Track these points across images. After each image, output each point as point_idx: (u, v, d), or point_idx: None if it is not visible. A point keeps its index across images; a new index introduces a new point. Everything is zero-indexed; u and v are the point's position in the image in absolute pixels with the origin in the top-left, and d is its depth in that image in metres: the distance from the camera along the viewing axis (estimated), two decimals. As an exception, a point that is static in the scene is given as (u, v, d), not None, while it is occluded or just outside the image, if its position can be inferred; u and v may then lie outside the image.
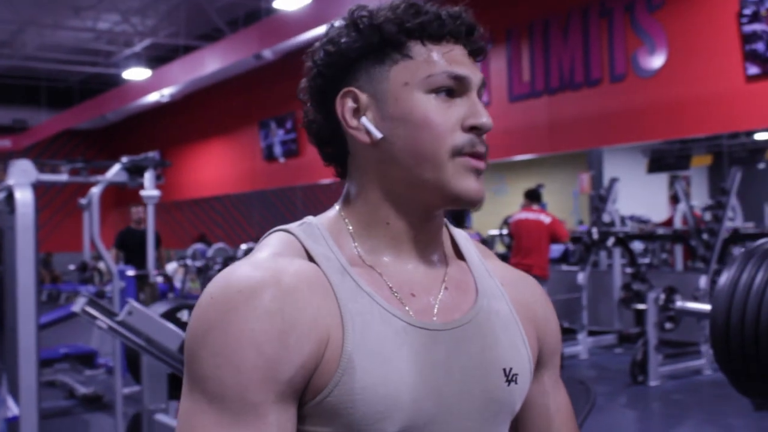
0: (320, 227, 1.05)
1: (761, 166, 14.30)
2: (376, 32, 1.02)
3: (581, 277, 8.52)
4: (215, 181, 14.35)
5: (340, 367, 0.94)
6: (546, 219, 8.24)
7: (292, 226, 1.06)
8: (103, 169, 5.83)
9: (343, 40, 1.05)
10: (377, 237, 1.05)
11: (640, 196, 14.28)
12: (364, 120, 1.03)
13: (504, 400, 1.06)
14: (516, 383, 1.07)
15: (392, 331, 0.98)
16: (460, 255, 1.14)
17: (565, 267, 10.59)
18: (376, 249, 1.05)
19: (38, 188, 4.81)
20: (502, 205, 13.84)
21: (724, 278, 1.86)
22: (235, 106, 13.25)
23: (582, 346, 8.51)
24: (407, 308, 1.01)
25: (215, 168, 14.30)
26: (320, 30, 9.59)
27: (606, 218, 8.63)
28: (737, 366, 1.79)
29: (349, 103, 1.04)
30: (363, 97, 1.03)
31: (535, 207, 8.37)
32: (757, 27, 6.46)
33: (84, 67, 16.06)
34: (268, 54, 10.63)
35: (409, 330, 0.99)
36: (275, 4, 10.49)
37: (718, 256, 7.08)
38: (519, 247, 8.20)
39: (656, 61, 7.31)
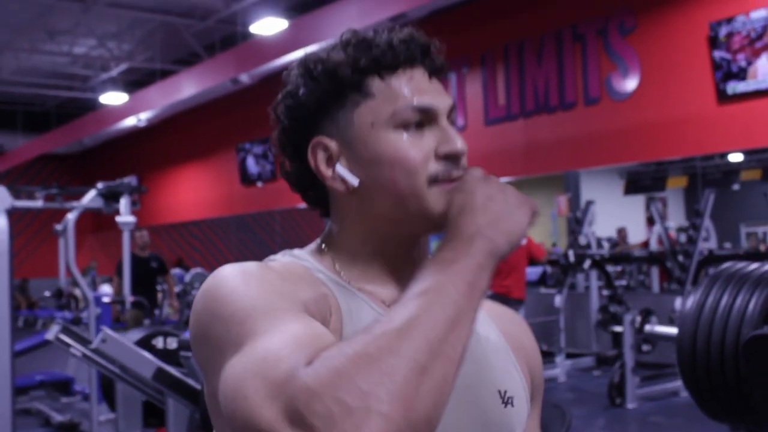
0: (304, 257, 1.05)
1: (736, 187, 14.46)
2: (332, 78, 1.01)
3: (558, 300, 8.55)
4: (193, 206, 14.31)
5: None
6: (522, 241, 8.31)
7: (277, 256, 1.05)
8: (79, 195, 5.81)
9: (300, 92, 1.03)
10: (362, 269, 1.04)
11: (618, 218, 14.37)
12: (339, 168, 1.01)
13: (501, 422, 1.03)
14: (513, 406, 1.04)
15: None
16: None
17: (542, 290, 10.62)
18: (362, 278, 1.03)
19: (13, 214, 4.79)
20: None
21: (690, 302, 1.89)
22: (212, 130, 13.25)
23: (560, 368, 8.52)
24: None
25: (193, 192, 14.26)
26: (297, 54, 9.63)
27: (582, 240, 8.68)
28: (704, 389, 1.81)
29: (321, 154, 1.02)
30: (332, 145, 1.01)
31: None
32: (722, 53, 6.56)
33: (60, 92, 16.02)
34: (245, 78, 10.66)
35: None
36: (252, 29, 10.54)
37: (693, 277, 7.13)
38: (497, 269, 8.20)
39: (630, 84, 7.40)
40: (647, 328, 2.02)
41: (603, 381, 7.81)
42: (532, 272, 10.71)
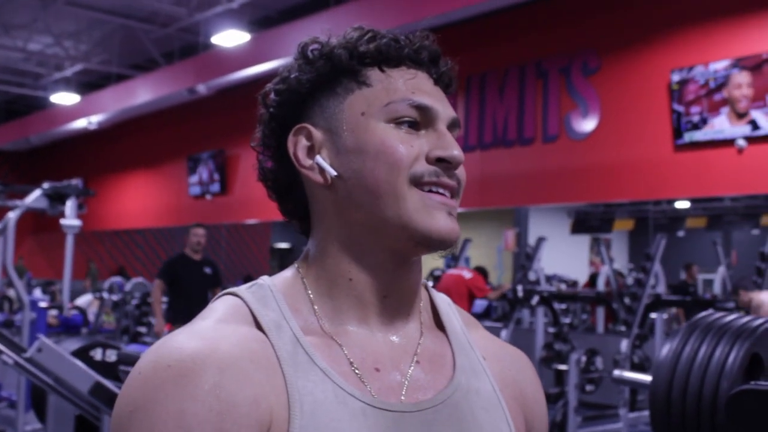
0: (273, 289, 0.92)
1: (681, 233, 14.67)
2: (328, 61, 0.94)
3: (504, 335, 8.51)
4: (138, 214, 14.04)
5: None
6: (467, 274, 8.34)
7: (241, 289, 0.92)
8: (23, 194, 5.61)
9: (292, 75, 0.95)
10: (339, 297, 0.92)
11: (562, 256, 14.48)
12: (318, 158, 0.92)
13: None
14: None
15: (348, 413, 0.85)
16: (440, 324, 1.01)
17: (488, 323, 10.59)
18: (338, 313, 0.92)
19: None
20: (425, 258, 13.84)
21: (666, 350, 1.82)
22: (165, 140, 13.04)
23: (500, 403, 8.48)
24: (368, 386, 0.88)
25: (139, 200, 14.00)
26: (257, 68, 9.58)
27: (532, 276, 8.67)
28: (678, 441, 1.74)
29: (302, 141, 0.94)
30: (317, 134, 0.93)
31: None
32: (679, 102, 6.63)
33: (11, 87, 15.65)
34: (202, 89, 10.51)
35: (368, 412, 0.86)
36: (213, 40, 10.41)
37: (641, 320, 7.14)
38: None
39: (588, 124, 7.44)
40: (616, 373, 1.96)
41: (543, 419, 7.76)
42: (478, 305, 10.69)
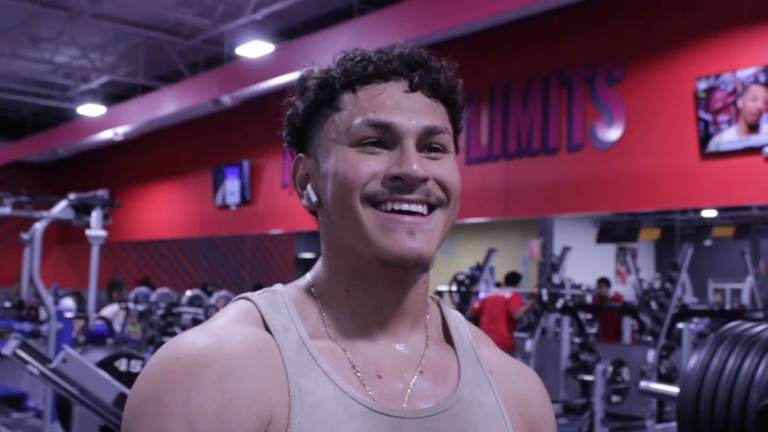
0: (285, 295, 0.97)
1: (707, 242, 14.54)
2: (306, 92, 0.98)
3: (529, 345, 8.47)
4: (164, 224, 14.11)
5: None
6: (507, 295, 8.51)
7: (254, 294, 0.97)
8: (49, 205, 5.66)
9: (290, 111, 1.00)
10: (340, 308, 0.96)
11: (588, 266, 14.39)
12: (309, 186, 0.98)
13: None
14: None
15: (348, 414, 0.88)
16: (449, 337, 1.03)
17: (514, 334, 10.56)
18: (341, 322, 0.96)
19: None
20: (450, 266, 13.81)
21: (693, 361, 1.79)
22: (190, 150, 13.10)
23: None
24: (370, 391, 0.91)
25: (165, 211, 14.07)
26: (281, 79, 9.60)
27: (556, 280, 8.65)
28: (706, 455, 1.71)
29: (300, 171, 1.00)
30: (308, 163, 0.99)
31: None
32: (706, 110, 6.57)
33: (38, 99, 15.80)
34: (226, 100, 10.54)
35: (368, 415, 0.89)
36: (237, 51, 10.46)
37: (667, 331, 7.07)
38: (482, 320, 8.49)
39: (613, 133, 7.38)
40: (642, 384, 1.93)
41: (569, 429, 7.71)
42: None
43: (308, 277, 1.01)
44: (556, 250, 12.67)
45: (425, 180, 0.92)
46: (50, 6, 11.15)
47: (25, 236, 5.44)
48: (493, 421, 0.97)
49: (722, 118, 6.54)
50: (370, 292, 0.95)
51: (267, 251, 19.28)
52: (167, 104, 11.59)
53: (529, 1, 7.27)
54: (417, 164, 0.92)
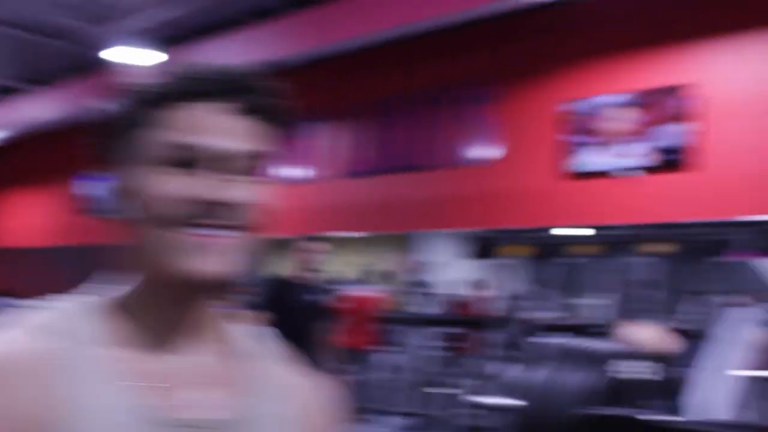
0: (96, 303, 0.97)
1: (577, 260, 14.98)
2: (124, 104, 0.98)
3: (398, 359, 8.56)
4: (28, 233, 13.62)
5: None
6: (374, 294, 8.54)
7: (60, 303, 0.97)
8: None
9: (103, 119, 1.01)
10: (140, 319, 0.97)
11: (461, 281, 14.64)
12: (118, 197, 0.99)
13: None
14: None
15: (125, 423, 0.89)
16: (240, 353, 1.05)
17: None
18: (138, 332, 0.96)
19: None
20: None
21: (530, 375, 1.89)
22: (56, 157, 12.69)
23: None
24: (154, 401, 0.92)
25: (28, 218, 13.59)
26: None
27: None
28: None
29: (119, 183, 0.99)
30: (119, 174, 0.99)
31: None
32: (567, 133, 6.86)
33: None
34: (95, 106, 10.28)
35: (155, 425, 0.91)
36: (106, 55, 10.22)
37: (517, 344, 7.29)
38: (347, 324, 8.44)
39: (485, 152, 7.57)
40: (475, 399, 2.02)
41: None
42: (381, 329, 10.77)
43: (126, 287, 1.00)
44: (430, 265, 12.86)
45: (228, 204, 0.92)
46: None
47: None
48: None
49: (582, 139, 6.83)
50: (166, 307, 0.97)
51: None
52: (35, 109, 11.22)
53: (410, 20, 7.43)
54: (219, 189, 0.92)
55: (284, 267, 6.52)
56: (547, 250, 14.09)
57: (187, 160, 0.93)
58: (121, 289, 1.00)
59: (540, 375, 1.98)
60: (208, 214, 0.92)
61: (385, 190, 8.36)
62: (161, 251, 0.93)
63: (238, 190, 0.94)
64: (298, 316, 5.61)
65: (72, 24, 10.75)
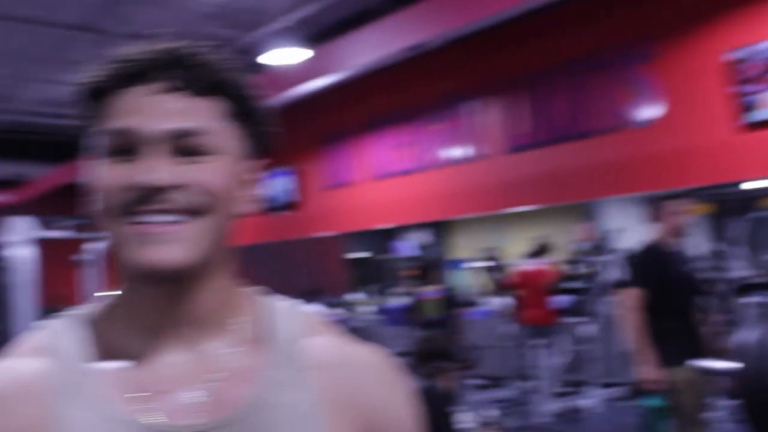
0: (84, 318, 0.95)
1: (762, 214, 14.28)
2: (80, 96, 0.96)
3: (591, 329, 8.40)
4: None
5: None
6: (542, 267, 8.42)
7: (49, 321, 0.96)
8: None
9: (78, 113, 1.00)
10: (129, 324, 0.94)
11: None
12: (89, 194, 0.95)
13: None
14: None
15: None
16: (268, 336, 0.98)
17: (575, 318, 10.51)
18: (131, 338, 0.93)
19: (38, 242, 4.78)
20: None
21: (747, 336, 1.83)
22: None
23: (595, 399, 8.34)
24: (150, 408, 0.88)
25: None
26: (317, 83, 9.70)
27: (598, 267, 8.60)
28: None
29: (83, 176, 0.97)
30: (88, 169, 0.95)
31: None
32: (739, 83, 6.52)
33: (76, 121, 16.09)
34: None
35: None
36: (269, 59, 10.56)
37: (727, 306, 6.99)
38: (522, 299, 8.41)
39: (651, 112, 7.34)
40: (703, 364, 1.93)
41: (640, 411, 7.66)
42: (562, 300, 10.62)
43: (117, 293, 0.98)
44: (607, 232, 12.58)
45: (171, 187, 0.88)
46: (83, 30, 11.38)
47: (83, 257, 5.59)
48: (299, 422, 0.92)
49: (757, 88, 6.48)
50: (147, 305, 0.92)
51: (317, 254, 19.43)
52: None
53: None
54: (156, 172, 0.88)
55: (648, 233, 5.67)
56: (730, 207, 13.49)
57: (126, 147, 0.90)
58: (111, 294, 0.98)
59: (753, 335, 1.90)
60: (146, 200, 0.88)
61: (551, 161, 8.24)
62: (117, 245, 0.89)
63: (194, 172, 0.90)
64: (679, 289, 4.81)
65: (227, 33, 11.18)
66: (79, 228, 5.84)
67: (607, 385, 8.65)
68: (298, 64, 9.85)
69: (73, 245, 16.13)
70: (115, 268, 0.95)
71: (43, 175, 17.03)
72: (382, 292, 19.72)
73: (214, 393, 0.91)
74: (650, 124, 7.33)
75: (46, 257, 10.35)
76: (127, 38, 10.73)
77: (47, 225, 5.64)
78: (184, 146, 0.89)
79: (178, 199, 0.88)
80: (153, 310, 0.92)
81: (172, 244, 0.87)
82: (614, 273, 8.82)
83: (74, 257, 5.50)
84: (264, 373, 0.94)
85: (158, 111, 0.89)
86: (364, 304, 16.71)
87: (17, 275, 4.51)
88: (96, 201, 0.90)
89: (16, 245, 4.59)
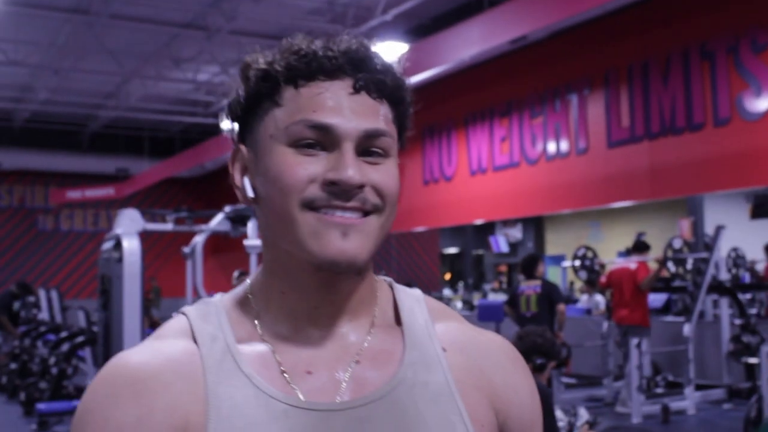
0: (219, 304, 0.98)
1: None
2: (249, 83, 0.95)
3: (687, 329, 8.21)
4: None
5: None
6: (632, 266, 8.28)
7: (189, 308, 0.99)
8: (206, 218, 5.92)
9: (231, 98, 0.98)
10: (275, 310, 0.96)
11: (741, 244, 13.82)
12: (245, 179, 0.97)
13: None
14: None
15: (268, 414, 0.89)
16: (400, 321, 1.01)
17: (669, 318, 10.26)
18: (275, 324, 0.95)
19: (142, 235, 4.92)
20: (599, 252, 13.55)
21: None
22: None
23: (689, 401, 8.17)
24: (296, 388, 0.91)
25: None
26: (416, 77, 9.72)
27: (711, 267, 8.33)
28: None
29: (237, 163, 0.98)
30: (246, 155, 0.97)
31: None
32: None
33: (184, 117, 16.54)
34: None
35: (291, 413, 0.89)
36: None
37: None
38: (615, 297, 8.28)
39: (762, 103, 7.08)
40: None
41: (735, 414, 7.45)
42: (656, 299, 10.36)
43: (248, 281, 1.01)
44: (708, 229, 12.23)
45: (362, 186, 0.90)
46: (189, 27, 11.66)
47: (186, 249, 5.73)
48: (439, 400, 0.95)
49: None
50: (304, 294, 0.95)
51: (412, 249, 19.48)
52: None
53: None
54: (354, 170, 0.90)
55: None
56: None
57: (323, 141, 0.91)
58: (243, 284, 1.01)
59: None
60: (343, 197, 0.90)
61: (654, 155, 8.04)
62: (297, 234, 0.90)
63: (375, 173, 0.92)
64: None
65: (327, 28, 11.29)
66: (181, 221, 5.99)
67: (702, 387, 8.45)
68: (401, 58, 9.88)
69: (168, 238, 16.57)
70: (265, 255, 0.98)
71: (149, 169, 17.55)
72: (477, 287, 19.69)
73: (358, 373, 0.95)
74: (761, 117, 7.07)
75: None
76: (231, 35, 10.98)
77: (149, 218, 5.79)
78: (370, 146, 0.92)
79: (365, 199, 0.91)
80: (309, 298, 0.95)
81: (353, 237, 0.90)
82: (716, 271, 8.55)
83: (178, 250, 5.64)
84: (403, 354, 0.97)
85: (354, 110, 0.91)
86: (458, 299, 16.70)
87: (126, 267, 4.64)
88: (279, 188, 0.91)
89: (124, 237, 4.72)
